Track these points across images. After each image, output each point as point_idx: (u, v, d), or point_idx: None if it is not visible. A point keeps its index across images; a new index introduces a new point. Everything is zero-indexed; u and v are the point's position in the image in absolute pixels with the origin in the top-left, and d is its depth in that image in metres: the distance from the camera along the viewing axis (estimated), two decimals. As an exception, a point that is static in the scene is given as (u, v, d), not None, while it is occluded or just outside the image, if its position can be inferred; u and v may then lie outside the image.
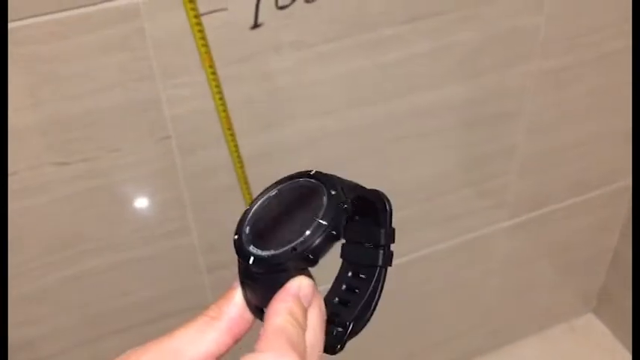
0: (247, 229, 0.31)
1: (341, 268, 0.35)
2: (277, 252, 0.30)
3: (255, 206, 0.33)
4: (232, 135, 0.67)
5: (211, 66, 0.61)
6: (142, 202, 0.72)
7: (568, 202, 0.99)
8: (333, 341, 0.32)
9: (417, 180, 0.86)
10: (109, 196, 0.69)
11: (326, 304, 0.31)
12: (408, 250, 0.93)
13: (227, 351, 0.31)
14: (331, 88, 0.72)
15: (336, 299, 0.34)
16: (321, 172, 0.33)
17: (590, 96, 0.88)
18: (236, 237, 0.31)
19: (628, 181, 1.02)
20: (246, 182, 0.72)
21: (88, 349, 0.81)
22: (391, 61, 0.72)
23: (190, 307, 0.83)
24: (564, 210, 1.00)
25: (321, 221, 0.29)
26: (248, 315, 0.31)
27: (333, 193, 0.31)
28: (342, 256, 0.35)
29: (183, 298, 0.82)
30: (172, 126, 0.66)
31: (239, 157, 0.69)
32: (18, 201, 0.65)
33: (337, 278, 0.35)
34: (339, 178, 0.33)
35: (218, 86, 0.62)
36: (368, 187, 0.34)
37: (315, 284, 0.31)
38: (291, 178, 0.33)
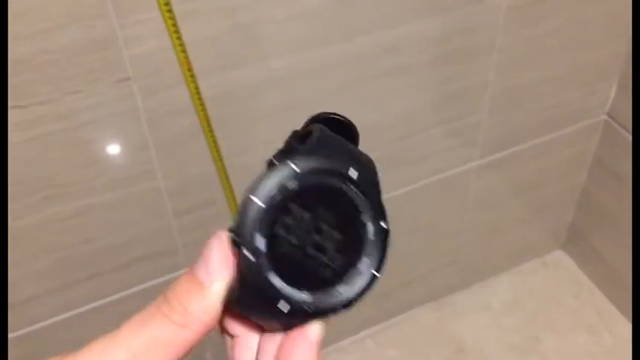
0: (261, 242, 0.25)
1: None
2: (320, 303, 0.25)
3: (265, 206, 0.25)
4: (192, 76, 0.65)
5: (167, 3, 0.58)
6: (104, 146, 0.70)
7: (539, 139, 0.99)
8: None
9: (387, 120, 0.85)
10: (71, 141, 0.67)
11: None
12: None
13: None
14: (294, 26, 0.70)
15: None
16: (358, 178, 0.26)
17: (561, 32, 0.87)
18: (244, 251, 0.24)
19: (598, 118, 1.02)
20: (209, 125, 0.71)
21: (61, 295, 0.80)
22: (357, -3, 0.70)
23: (160, 252, 0.83)
24: (535, 148, 1.00)
25: (375, 273, 0.25)
26: (213, 323, 0.26)
27: (383, 225, 0.26)
28: None
29: (152, 243, 0.82)
30: (131, 67, 0.64)
31: (200, 99, 0.68)
32: (-26, 147, 0.63)
33: None
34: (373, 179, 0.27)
35: (175, 25, 0.60)
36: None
37: None
38: (315, 171, 0.26)
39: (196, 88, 0.67)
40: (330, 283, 0.25)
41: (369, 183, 0.26)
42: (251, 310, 0.26)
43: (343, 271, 0.25)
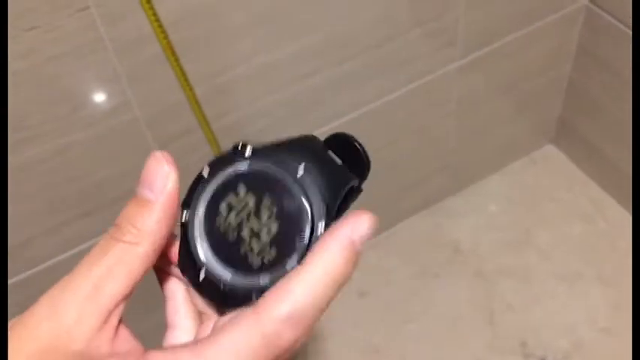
0: (201, 210, 0.27)
1: None
2: (237, 284, 0.26)
3: (211, 178, 0.27)
4: (149, 2, 0.62)
5: None
6: (75, 81, 0.69)
7: (519, 32, 0.97)
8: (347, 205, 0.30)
9: (362, 26, 0.83)
10: (38, 78, 0.66)
11: None
12: (363, 101, 0.92)
13: (143, 278, 0.27)
14: None
15: None
16: (306, 174, 0.26)
17: None
18: (185, 215, 0.27)
19: (579, 3, 0.99)
20: (173, 53, 0.69)
21: (55, 235, 0.81)
22: None
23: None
24: (516, 42, 0.98)
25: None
26: (168, 230, 0.27)
27: (319, 225, 0.26)
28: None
29: (139, 176, 0.81)
30: (88, -6, 0.62)
31: (160, 25, 0.65)
32: (-61, 94, 0.61)
33: None
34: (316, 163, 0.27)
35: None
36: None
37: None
38: (261, 155, 0.27)
39: (154, 14, 0.64)
40: (255, 270, 0.26)
41: (320, 183, 0.26)
42: (181, 265, 0.27)
43: (270, 263, 0.26)
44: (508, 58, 1.01)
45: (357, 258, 0.26)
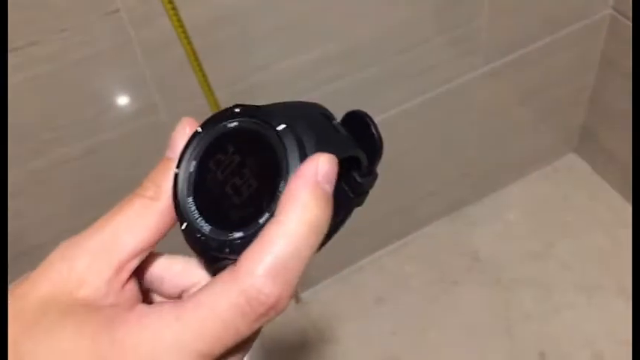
0: (192, 165, 0.28)
1: None
2: (213, 237, 0.26)
3: (204, 134, 0.28)
4: (174, 8, 0.63)
5: None
6: (103, 83, 0.70)
7: (543, 41, 0.97)
8: (361, 189, 0.30)
9: (386, 33, 0.83)
10: (67, 80, 0.67)
11: None
12: (384, 107, 0.93)
13: (165, 234, 0.28)
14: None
15: None
16: (287, 129, 0.26)
17: None
18: (177, 170, 0.28)
19: (603, 12, 0.99)
20: (196, 58, 0.70)
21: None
22: None
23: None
24: (539, 50, 0.98)
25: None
26: None
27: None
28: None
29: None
30: (119, -3, 0.63)
31: (184, 31, 0.66)
32: (-28, 93, 0.63)
33: None
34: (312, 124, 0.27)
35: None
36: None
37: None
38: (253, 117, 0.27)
39: (178, 19, 0.65)
40: (232, 225, 0.26)
41: (306, 142, 0.26)
42: (175, 210, 0.28)
43: (247, 219, 0.26)
44: (531, 67, 1.01)
45: (327, 197, 0.25)
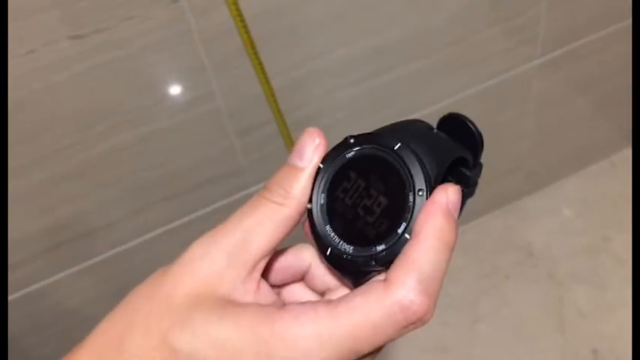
0: (322, 198, 0.30)
1: None
2: (358, 255, 0.29)
3: (326, 169, 0.31)
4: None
5: None
6: (163, 71, 0.72)
7: (600, 32, 0.95)
8: (471, 181, 0.33)
9: (441, 22, 0.83)
10: (129, 67, 0.69)
11: None
12: (439, 97, 0.92)
13: (286, 239, 0.30)
14: None
15: None
16: (403, 146, 0.29)
17: None
18: (309, 205, 0.30)
19: (668, 2, 0.96)
20: (252, 46, 0.71)
21: (134, 219, 0.85)
22: None
23: (226, 172, 0.85)
24: (597, 41, 0.96)
25: (407, 236, 0.28)
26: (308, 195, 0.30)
27: (420, 193, 0.28)
28: None
29: (218, 164, 0.84)
30: (180, -14, 0.64)
31: (242, 20, 0.68)
32: (39, 80, 0.65)
33: None
34: (424, 145, 0.30)
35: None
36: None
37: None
38: (370, 144, 0.30)
39: (237, 8, 0.66)
40: (372, 241, 0.29)
41: (422, 154, 0.29)
42: (315, 241, 0.31)
43: (385, 232, 0.29)
44: (588, 58, 0.99)
45: (456, 221, 0.28)
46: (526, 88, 0.99)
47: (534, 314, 1.09)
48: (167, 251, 0.86)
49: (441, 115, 0.33)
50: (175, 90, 0.74)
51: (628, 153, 1.23)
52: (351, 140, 0.30)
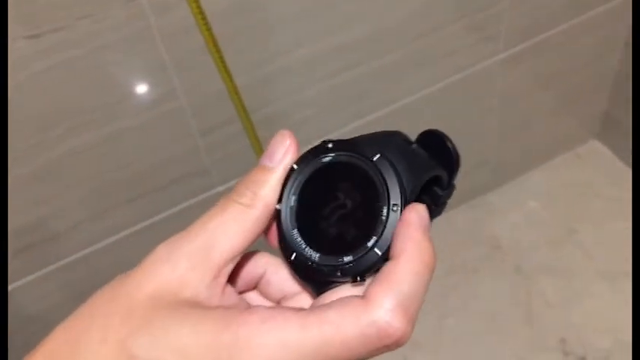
0: (292, 200, 0.29)
1: None
2: (323, 263, 0.28)
3: (299, 170, 0.30)
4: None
5: None
6: (123, 70, 0.71)
7: (565, 25, 0.96)
8: (441, 200, 0.32)
9: (405, 18, 0.83)
10: (88, 67, 0.68)
11: None
12: (403, 93, 0.92)
13: (255, 241, 0.29)
14: None
15: None
16: (382, 158, 0.29)
17: None
18: (278, 206, 0.29)
19: (627, -4, 0.97)
20: (215, 44, 0.70)
21: (99, 221, 0.83)
22: None
23: (192, 172, 0.84)
24: (560, 35, 0.97)
25: (377, 251, 0.27)
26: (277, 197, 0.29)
27: (394, 208, 0.28)
28: None
29: (183, 164, 0.83)
30: (138, -16, 0.63)
31: (203, 17, 0.67)
32: (-4, 80, 0.64)
33: None
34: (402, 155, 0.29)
35: None
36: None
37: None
38: (344, 150, 0.30)
39: (198, 6, 0.66)
40: (340, 251, 0.28)
41: (399, 168, 0.29)
42: (279, 244, 0.30)
43: (354, 244, 0.28)
44: (553, 52, 1.00)
45: (431, 241, 0.28)
46: (490, 83, 1.00)
47: (503, 307, 1.10)
48: (133, 253, 0.85)
49: (421, 130, 0.32)
50: (137, 89, 0.73)
51: (593, 145, 1.25)
52: (329, 145, 0.30)
